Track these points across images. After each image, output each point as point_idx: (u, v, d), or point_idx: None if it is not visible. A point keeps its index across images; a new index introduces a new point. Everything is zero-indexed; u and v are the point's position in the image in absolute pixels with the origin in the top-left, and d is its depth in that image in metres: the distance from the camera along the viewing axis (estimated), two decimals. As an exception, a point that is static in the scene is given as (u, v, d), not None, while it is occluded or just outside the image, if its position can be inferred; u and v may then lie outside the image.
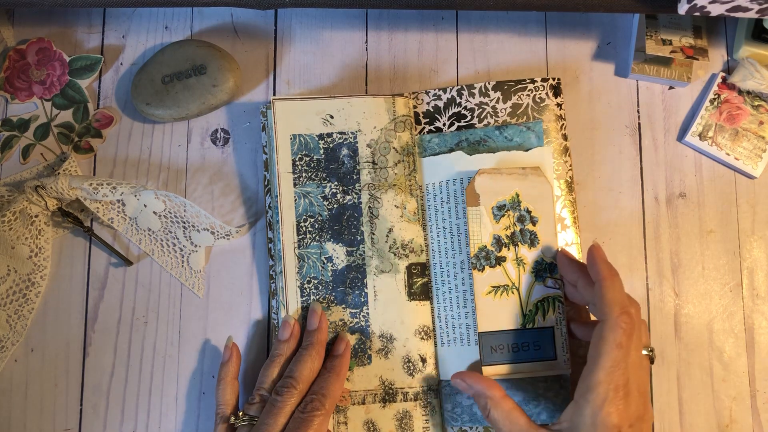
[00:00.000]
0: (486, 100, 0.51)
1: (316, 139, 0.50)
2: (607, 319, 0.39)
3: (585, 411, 0.39)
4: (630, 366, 0.39)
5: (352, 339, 0.49)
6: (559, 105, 0.51)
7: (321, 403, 0.44)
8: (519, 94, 0.51)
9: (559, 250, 0.46)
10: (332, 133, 0.50)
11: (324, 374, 0.46)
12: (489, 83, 0.51)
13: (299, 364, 0.46)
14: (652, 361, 0.42)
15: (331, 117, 0.50)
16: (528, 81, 0.51)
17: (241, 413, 0.45)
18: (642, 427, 0.40)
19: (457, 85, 0.52)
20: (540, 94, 0.51)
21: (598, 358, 0.39)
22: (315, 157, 0.50)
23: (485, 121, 0.51)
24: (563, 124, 0.51)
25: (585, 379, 0.39)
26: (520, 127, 0.50)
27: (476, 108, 0.51)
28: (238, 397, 0.48)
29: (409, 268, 0.49)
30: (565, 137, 0.51)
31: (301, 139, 0.50)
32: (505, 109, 0.51)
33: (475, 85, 0.52)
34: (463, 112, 0.51)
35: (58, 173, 0.52)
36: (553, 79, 0.51)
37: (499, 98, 0.51)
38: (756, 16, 0.44)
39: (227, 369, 0.48)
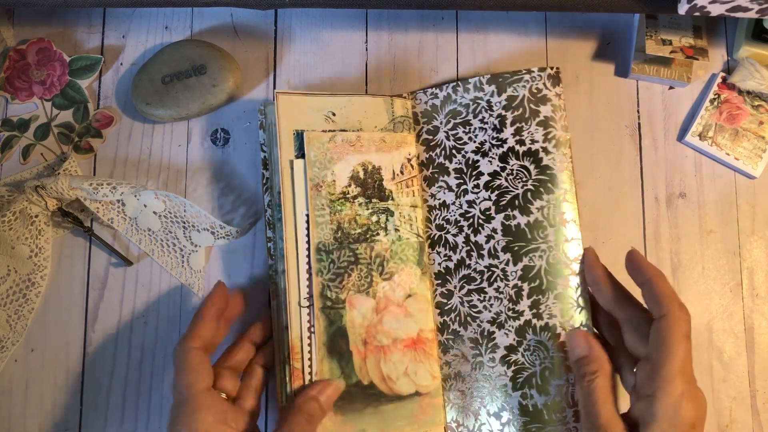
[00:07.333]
0: (480, 94, 0.50)
1: None
2: (668, 312, 0.40)
3: (662, 404, 0.38)
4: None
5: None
6: (558, 95, 0.49)
7: None
8: (514, 85, 0.49)
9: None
10: (334, 130, 0.50)
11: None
12: (483, 77, 0.50)
13: None
14: None
15: (333, 114, 0.50)
16: (524, 71, 0.49)
17: None
18: (703, 423, 0.40)
19: (453, 82, 0.51)
20: (537, 84, 0.49)
21: (668, 350, 0.39)
22: None
23: (480, 116, 0.50)
24: (563, 114, 0.49)
25: (656, 372, 0.39)
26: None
27: (471, 104, 0.50)
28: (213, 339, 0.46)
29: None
30: (565, 129, 0.48)
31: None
32: (500, 103, 0.49)
33: (470, 80, 0.50)
34: (458, 108, 0.51)
35: (58, 173, 0.52)
36: (551, 68, 0.49)
37: (493, 92, 0.50)
38: (756, 16, 0.44)
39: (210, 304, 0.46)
